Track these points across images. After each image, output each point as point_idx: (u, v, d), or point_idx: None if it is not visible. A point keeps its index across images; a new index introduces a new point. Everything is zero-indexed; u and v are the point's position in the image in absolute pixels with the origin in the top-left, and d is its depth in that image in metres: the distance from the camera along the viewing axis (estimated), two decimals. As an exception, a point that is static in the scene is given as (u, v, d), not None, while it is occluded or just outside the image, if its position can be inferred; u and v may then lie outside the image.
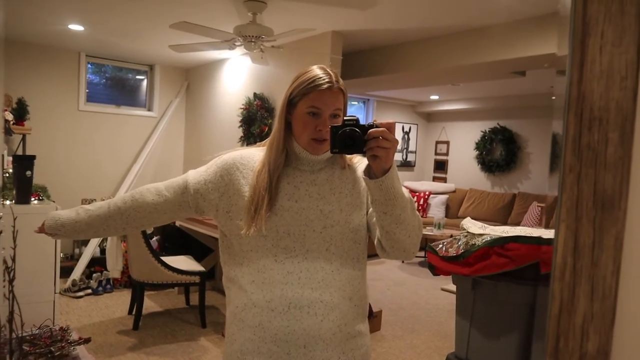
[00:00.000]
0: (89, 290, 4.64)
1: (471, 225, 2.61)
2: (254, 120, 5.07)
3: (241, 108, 5.23)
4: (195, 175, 1.33)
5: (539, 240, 2.27)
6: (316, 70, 1.22)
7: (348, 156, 1.30)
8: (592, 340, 0.63)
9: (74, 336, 2.20)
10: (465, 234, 2.58)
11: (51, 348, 1.91)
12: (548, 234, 2.25)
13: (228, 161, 1.30)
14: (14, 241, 1.23)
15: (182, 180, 1.34)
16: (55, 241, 2.61)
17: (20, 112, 4.94)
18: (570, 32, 0.63)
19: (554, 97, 0.68)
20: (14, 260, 1.20)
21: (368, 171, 1.10)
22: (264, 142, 1.34)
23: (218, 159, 1.33)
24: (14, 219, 1.42)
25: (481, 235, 2.46)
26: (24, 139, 4.86)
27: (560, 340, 0.64)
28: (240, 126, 5.27)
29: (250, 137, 5.16)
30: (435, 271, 2.72)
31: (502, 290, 2.36)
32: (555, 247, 0.64)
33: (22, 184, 2.57)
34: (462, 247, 2.49)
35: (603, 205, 0.62)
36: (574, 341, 0.63)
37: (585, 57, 0.62)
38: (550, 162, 0.75)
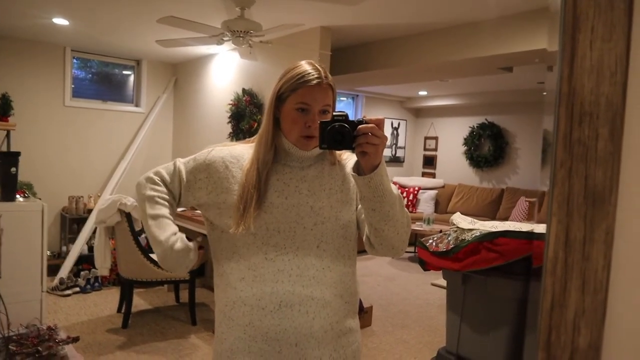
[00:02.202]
0: (77, 289, 4.60)
1: (461, 220, 2.63)
2: (243, 116, 5.05)
3: (230, 104, 5.20)
4: (185, 170, 1.30)
5: (528, 234, 2.28)
6: (305, 66, 1.21)
7: (337, 152, 1.29)
8: (583, 335, 0.63)
9: (62, 335, 2.18)
10: (455, 229, 2.59)
11: (39, 347, 1.89)
12: (540, 228, 2.27)
13: (217, 160, 1.27)
14: None
15: (177, 179, 1.30)
16: (42, 238, 2.57)
17: (4, 107, 4.87)
18: (560, 27, 0.63)
19: (544, 93, 0.68)
20: (-1, 259, 1.18)
21: (357, 168, 1.09)
22: (252, 138, 1.32)
23: (208, 155, 1.29)
24: (-1, 217, 1.39)
25: (471, 230, 2.48)
26: (8, 135, 4.79)
27: (552, 335, 0.64)
28: (229, 122, 5.24)
29: (239, 132, 5.14)
30: (426, 266, 2.73)
31: (492, 284, 2.38)
32: (546, 242, 0.64)
33: (7, 181, 2.53)
34: (452, 242, 2.50)
35: (594, 200, 0.63)
36: (566, 335, 0.64)
37: (575, 52, 0.62)
38: (541, 158, 0.76)
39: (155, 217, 1.22)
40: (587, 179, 0.63)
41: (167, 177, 1.29)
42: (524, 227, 2.39)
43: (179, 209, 1.34)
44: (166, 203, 1.26)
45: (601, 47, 0.61)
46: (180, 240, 1.19)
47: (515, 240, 2.28)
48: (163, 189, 1.28)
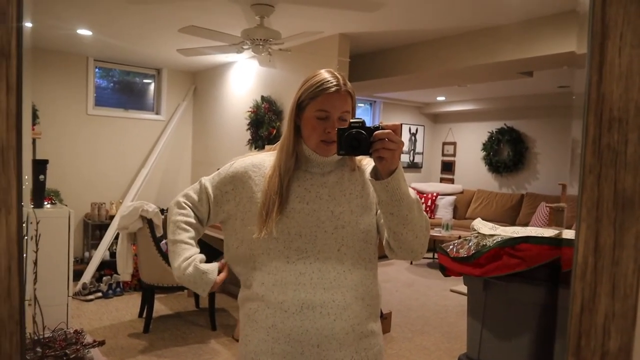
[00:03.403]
0: (99, 294, 4.67)
1: (482, 226, 2.61)
2: (262, 123, 5.09)
3: (249, 111, 5.25)
4: (211, 186, 1.35)
5: (550, 240, 2.27)
6: (324, 74, 1.24)
7: (357, 158, 1.31)
8: (613, 339, 0.63)
9: (88, 339, 2.22)
10: (476, 234, 2.58)
11: (66, 351, 1.93)
12: (569, 233, 2.25)
13: (240, 170, 1.32)
14: (37, 245, 1.24)
15: (205, 196, 1.35)
16: (69, 244, 2.63)
17: (31, 117, 4.99)
18: (589, 34, 0.64)
19: (574, 97, 0.69)
20: (35, 263, 1.21)
21: (374, 173, 1.12)
22: (274, 146, 1.36)
23: (230, 168, 1.34)
24: (37, 223, 1.44)
25: (492, 236, 2.46)
26: (34, 144, 4.91)
27: (582, 339, 0.64)
28: (248, 129, 5.29)
29: (258, 139, 5.18)
30: (446, 272, 2.72)
31: (514, 290, 2.36)
32: (576, 247, 0.64)
33: (36, 188, 2.59)
34: (473, 247, 2.49)
35: (623, 205, 0.63)
36: (596, 340, 0.64)
37: (604, 58, 0.63)
38: (571, 162, 0.76)
39: (174, 242, 1.30)
40: (617, 184, 0.63)
41: (195, 197, 1.36)
42: (546, 232, 2.37)
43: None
44: (188, 227, 1.32)
45: (630, 54, 0.61)
46: (192, 266, 1.25)
47: (537, 246, 2.26)
48: (189, 211, 1.34)
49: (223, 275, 1.29)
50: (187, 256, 1.27)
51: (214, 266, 1.27)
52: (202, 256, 1.29)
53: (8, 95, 0.77)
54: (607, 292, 0.63)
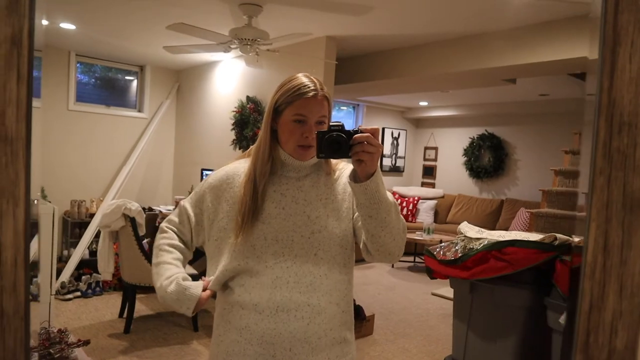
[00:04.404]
0: (78, 293, 4.58)
1: (468, 229, 2.65)
2: (247, 123, 5.08)
3: (234, 111, 5.23)
4: (191, 206, 1.36)
5: (536, 244, 2.31)
6: (301, 78, 1.24)
7: (333, 162, 1.32)
8: (620, 337, 0.65)
9: (72, 338, 2.18)
10: (463, 237, 2.61)
11: (50, 350, 1.90)
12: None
13: (213, 184, 1.32)
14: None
15: (186, 217, 1.35)
16: (52, 241, 2.58)
17: (9, 111, 4.88)
18: (600, 41, 0.66)
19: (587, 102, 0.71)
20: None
21: (353, 175, 1.12)
22: (246, 152, 1.36)
23: (204, 184, 1.36)
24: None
25: (479, 239, 2.50)
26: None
27: (590, 336, 0.66)
28: (233, 129, 5.26)
29: (242, 140, 5.16)
30: (433, 274, 2.74)
31: (500, 293, 2.40)
32: (585, 246, 0.66)
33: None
34: (459, 251, 2.53)
35: (632, 206, 0.65)
36: (604, 337, 0.66)
37: (615, 65, 0.65)
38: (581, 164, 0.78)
39: (156, 265, 1.30)
40: (625, 187, 0.65)
41: (176, 220, 1.37)
42: (532, 236, 2.42)
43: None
44: (170, 249, 1.32)
45: (641, 61, 0.64)
46: (174, 283, 1.23)
47: (523, 250, 2.31)
48: (171, 234, 1.35)
49: (209, 292, 1.26)
50: (169, 275, 1.25)
51: (197, 282, 1.25)
52: (185, 274, 1.27)
53: (19, 84, 0.76)
54: (615, 291, 0.65)
